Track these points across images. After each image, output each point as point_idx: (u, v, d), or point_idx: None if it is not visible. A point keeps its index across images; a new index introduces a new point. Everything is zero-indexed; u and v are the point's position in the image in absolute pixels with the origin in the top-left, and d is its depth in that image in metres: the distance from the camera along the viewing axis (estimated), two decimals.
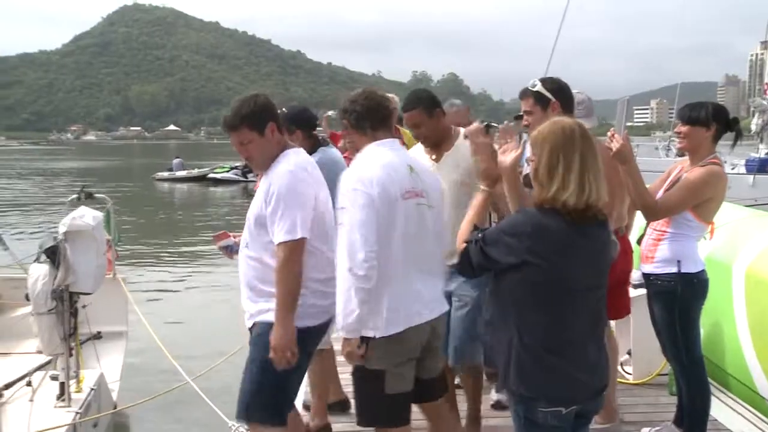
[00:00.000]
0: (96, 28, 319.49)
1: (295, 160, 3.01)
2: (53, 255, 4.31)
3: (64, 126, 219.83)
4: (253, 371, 2.95)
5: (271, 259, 2.90)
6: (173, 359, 5.41)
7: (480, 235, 2.34)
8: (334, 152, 4.10)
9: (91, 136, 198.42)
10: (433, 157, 3.63)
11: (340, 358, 3.18)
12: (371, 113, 2.98)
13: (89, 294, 4.50)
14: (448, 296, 3.34)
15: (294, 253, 2.85)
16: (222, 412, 4.34)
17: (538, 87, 3.44)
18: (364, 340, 2.80)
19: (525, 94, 3.49)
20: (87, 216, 4.54)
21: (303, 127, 3.96)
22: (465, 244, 2.38)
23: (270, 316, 2.87)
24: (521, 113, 3.58)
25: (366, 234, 2.73)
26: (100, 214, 4.72)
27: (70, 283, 4.29)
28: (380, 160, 2.88)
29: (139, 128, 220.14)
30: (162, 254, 15.62)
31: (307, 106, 4.73)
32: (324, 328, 3.06)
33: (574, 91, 3.59)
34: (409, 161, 2.99)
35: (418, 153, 3.64)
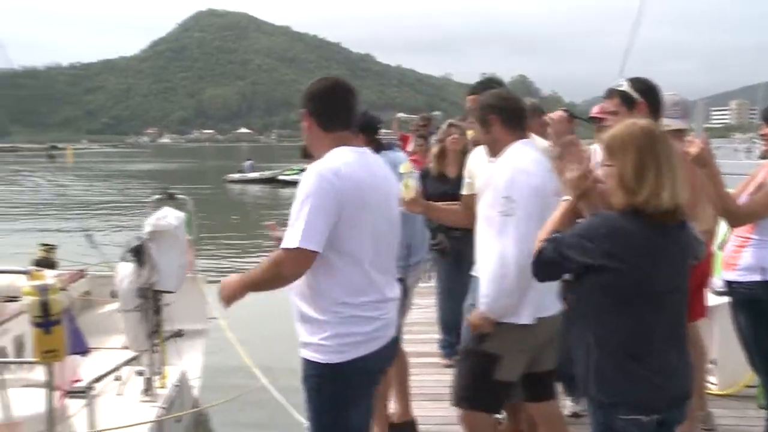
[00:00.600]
0: (172, 34, 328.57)
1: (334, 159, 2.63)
2: (138, 254, 4.44)
3: (140, 129, 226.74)
4: (312, 419, 2.72)
5: (313, 277, 2.59)
6: (249, 359, 5.50)
7: (557, 235, 2.31)
8: (396, 156, 4.09)
9: (166, 139, 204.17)
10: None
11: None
12: (522, 112, 3.05)
13: (172, 292, 4.61)
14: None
15: (290, 262, 2.50)
16: (298, 413, 4.38)
17: (625, 86, 3.36)
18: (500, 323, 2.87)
19: (611, 93, 3.41)
20: (170, 216, 4.67)
21: (365, 131, 3.86)
22: (541, 244, 2.34)
23: (310, 353, 2.62)
24: (595, 115, 3.51)
25: (521, 234, 2.78)
26: (182, 215, 4.84)
27: (154, 281, 4.42)
28: (531, 158, 2.94)
29: (212, 131, 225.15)
30: (236, 254, 15.93)
31: (375, 108, 4.73)
32: (382, 355, 2.67)
33: (668, 92, 3.48)
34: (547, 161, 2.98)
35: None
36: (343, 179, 2.50)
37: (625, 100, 3.34)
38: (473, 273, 3.17)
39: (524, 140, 3.04)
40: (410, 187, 3.25)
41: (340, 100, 2.70)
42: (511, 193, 2.84)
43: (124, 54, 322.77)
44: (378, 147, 3.91)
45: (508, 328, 2.88)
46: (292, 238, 2.47)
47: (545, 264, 2.33)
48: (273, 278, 2.58)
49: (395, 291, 2.74)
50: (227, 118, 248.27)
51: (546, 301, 2.89)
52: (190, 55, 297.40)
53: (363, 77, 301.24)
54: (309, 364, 2.63)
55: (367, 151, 2.73)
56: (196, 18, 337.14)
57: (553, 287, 2.80)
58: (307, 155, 3.31)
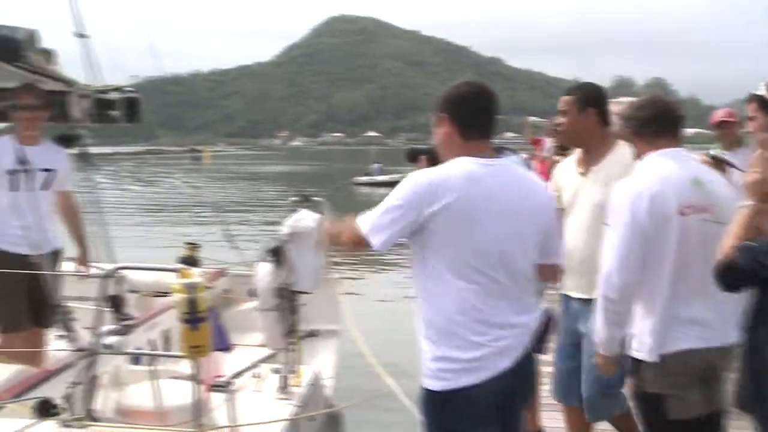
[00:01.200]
0: (305, 40, 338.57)
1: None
2: (277, 255, 4.57)
3: (273, 132, 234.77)
4: None
5: (422, 291, 2.53)
6: (379, 363, 5.53)
7: (751, 244, 2.15)
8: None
9: (297, 142, 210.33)
10: (581, 170, 3.39)
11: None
12: (658, 119, 2.81)
13: (308, 293, 4.71)
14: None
15: (356, 239, 2.55)
16: None
17: (762, 91, 3.16)
18: (636, 361, 2.69)
19: (750, 98, 3.26)
20: (307, 218, 4.78)
21: None
22: (731, 251, 2.18)
23: (428, 382, 2.52)
24: (722, 119, 3.31)
25: (625, 255, 2.59)
26: (320, 217, 4.94)
27: (292, 282, 4.53)
28: (657, 172, 2.69)
29: (341, 134, 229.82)
30: (366, 257, 16.14)
31: (505, 112, 4.65)
32: (497, 387, 2.47)
33: None
34: (696, 173, 2.74)
35: (568, 165, 3.45)
36: (444, 189, 2.41)
37: (763, 105, 3.15)
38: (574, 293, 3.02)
39: (662, 150, 2.79)
40: None
41: (484, 107, 2.60)
42: (610, 218, 2.68)
43: (259, 60, 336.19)
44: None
45: (648, 366, 2.67)
46: (366, 222, 2.51)
47: (738, 273, 2.18)
48: (336, 238, 2.70)
49: (523, 317, 2.51)
50: (356, 122, 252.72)
51: (694, 331, 2.66)
52: (321, 60, 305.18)
53: (492, 81, 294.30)
54: (421, 389, 2.56)
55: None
56: (328, 24, 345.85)
57: (701, 316, 2.61)
58: (413, 159, 3.29)
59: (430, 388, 2.49)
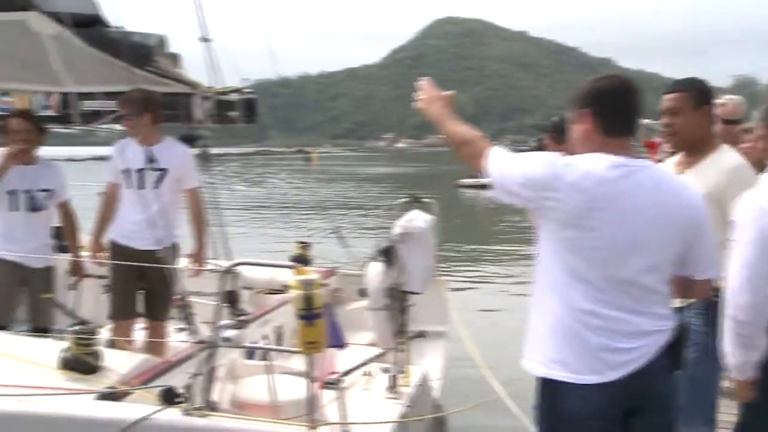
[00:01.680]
0: (411, 42, 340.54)
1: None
2: (388, 255, 4.60)
3: (379, 134, 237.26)
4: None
5: (539, 285, 2.47)
6: (486, 367, 5.46)
7: None
8: None
9: (402, 144, 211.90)
10: (678, 171, 3.14)
11: None
12: None
13: (418, 294, 4.71)
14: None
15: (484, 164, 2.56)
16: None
17: None
18: None
19: None
20: (419, 219, 4.79)
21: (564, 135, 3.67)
22: None
23: (538, 367, 2.45)
24: None
25: (753, 275, 2.41)
26: (431, 218, 4.94)
27: (402, 282, 4.54)
28: None
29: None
30: (467, 260, 16.07)
31: None
32: (613, 394, 2.33)
33: None
34: None
35: (667, 165, 3.24)
36: (573, 184, 2.29)
37: None
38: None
39: None
40: None
41: (630, 103, 2.45)
42: (735, 233, 2.49)
43: (366, 62, 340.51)
44: None
45: None
46: (494, 159, 2.50)
47: None
48: (463, 149, 2.75)
49: (647, 327, 2.36)
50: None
51: None
52: (427, 62, 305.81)
53: None
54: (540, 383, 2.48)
55: (635, 164, 2.39)
56: (434, 26, 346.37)
57: None
58: None
59: (544, 375, 2.43)
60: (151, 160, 4.75)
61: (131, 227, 4.82)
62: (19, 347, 3.66)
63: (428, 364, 5.21)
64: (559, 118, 3.78)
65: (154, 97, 4.80)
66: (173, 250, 4.90)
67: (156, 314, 4.90)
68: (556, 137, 3.51)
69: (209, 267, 5.29)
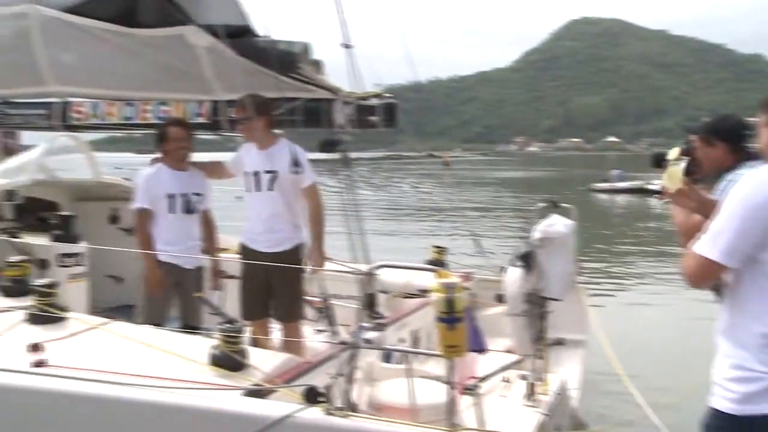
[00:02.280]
0: (544, 44, 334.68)
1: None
2: (527, 260, 4.53)
3: (509, 138, 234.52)
4: None
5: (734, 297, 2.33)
6: (629, 382, 5.26)
7: None
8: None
9: (533, 148, 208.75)
10: None
11: None
12: None
13: (558, 300, 4.61)
14: None
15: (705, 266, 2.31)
16: None
17: None
18: None
19: None
20: (559, 224, 4.69)
21: (727, 140, 3.34)
22: None
23: (713, 396, 2.31)
24: None
25: None
26: (571, 223, 4.83)
27: (541, 288, 4.46)
28: None
29: (579, 139, 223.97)
30: (606, 266, 15.57)
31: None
32: None
33: None
34: None
35: None
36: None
37: None
38: None
39: None
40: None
41: None
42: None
43: (497, 66, 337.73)
44: (743, 157, 3.32)
45: None
46: (705, 245, 2.26)
47: None
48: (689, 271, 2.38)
49: None
50: (595, 127, 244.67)
51: None
52: (561, 64, 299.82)
53: (750, 80, 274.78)
54: (709, 409, 2.32)
55: None
56: (569, 27, 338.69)
57: None
58: (659, 164, 3.01)
59: (725, 410, 2.27)
60: (264, 163, 4.88)
61: (253, 230, 4.98)
62: (172, 343, 3.86)
63: (566, 372, 5.08)
64: (714, 119, 3.56)
65: (268, 102, 4.93)
66: (298, 250, 4.99)
67: (285, 315, 5.00)
68: (706, 139, 3.31)
69: (340, 268, 5.39)
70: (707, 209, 2.70)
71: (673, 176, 2.76)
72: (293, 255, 4.92)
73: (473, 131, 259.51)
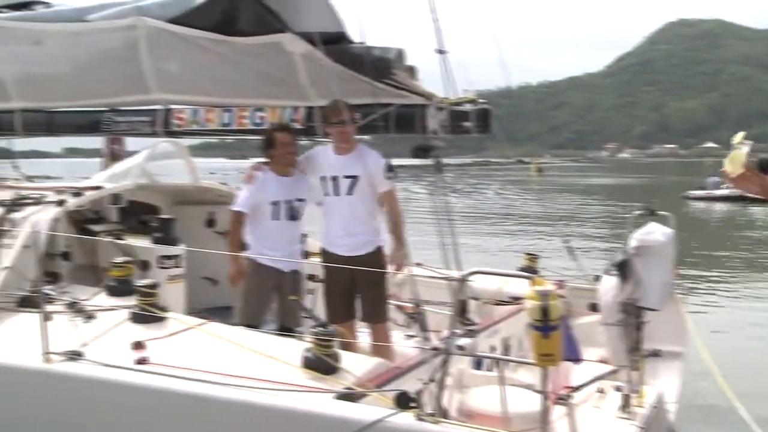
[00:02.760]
0: (638, 48, 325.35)
1: None
2: (623, 269, 4.41)
3: (600, 144, 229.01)
4: None
5: None
6: (730, 393, 5.04)
7: None
8: None
9: (625, 154, 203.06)
10: None
11: None
12: None
13: (654, 311, 4.47)
14: None
15: None
16: None
17: None
18: None
19: None
20: (657, 232, 4.54)
21: None
22: None
23: None
24: None
25: None
26: (670, 231, 4.67)
27: (638, 297, 4.33)
28: None
29: (674, 145, 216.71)
30: (713, 277, 14.99)
31: None
32: None
33: None
34: None
35: None
36: None
37: None
38: None
39: None
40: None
41: None
42: None
43: (589, 71, 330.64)
44: None
45: None
46: None
47: None
48: None
49: None
50: (692, 132, 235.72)
51: None
52: (655, 68, 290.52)
53: None
54: None
55: None
56: (665, 29, 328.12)
57: None
58: (765, 170, 2.88)
59: None
60: (344, 167, 4.93)
61: (333, 234, 5.04)
62: (267, 345, 3.95)
63: (664, 385, 4.91)
64: None
65: (353, 108, 5.00)
66: (378, 253, 5.02)
67: (372, 316, 5.04)
68: None
69: (432, 274, 5.38)
70: None
71: (735, 160, 2.76)
72: (374, 258, 4.97)
73: (563, 137, 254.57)
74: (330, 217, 5.06)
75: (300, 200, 5.15)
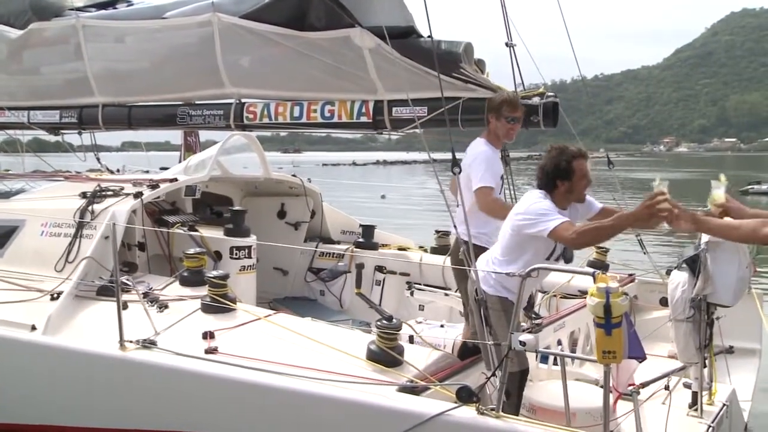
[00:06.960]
0: (698, 40, 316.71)
1: None
2: (694, 264, 4.35)
3: (657, 138, 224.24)
4: None
5: None
6: None
7: None
8: None
9: (683, 148, 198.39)
10: None
11: None
12: None
13: (727, 307, 4.40)
14: None
15: None
16: None
17: None
18: None
19: None
20: None
21: None
22: None
23: None
24: None
25: None
26: None
27: (709, 293, 4.27)
28: None
29: (734, 139, 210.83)
30: None
31: None
32: None
33: None
34: None
35: None
36: None
37: None
38: None
39: None
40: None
41: None
42: None
43: (646, 63, 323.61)
44: None
45: None
46: None
47: None
48: None
49: None
50: (753, 126, 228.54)
51: None
52: (716, 61, 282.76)
53: None
54: None
55: None
56: (727, 21, 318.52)
57: None
58: None
59: None
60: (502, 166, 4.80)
61: (474, 230, 4.58)
62: (333, 337, 4.03)
63: (737, 383, 4.84)
64: None
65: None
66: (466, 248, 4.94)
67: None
68: None
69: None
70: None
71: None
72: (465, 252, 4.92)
73: (618, 131, 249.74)
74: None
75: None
